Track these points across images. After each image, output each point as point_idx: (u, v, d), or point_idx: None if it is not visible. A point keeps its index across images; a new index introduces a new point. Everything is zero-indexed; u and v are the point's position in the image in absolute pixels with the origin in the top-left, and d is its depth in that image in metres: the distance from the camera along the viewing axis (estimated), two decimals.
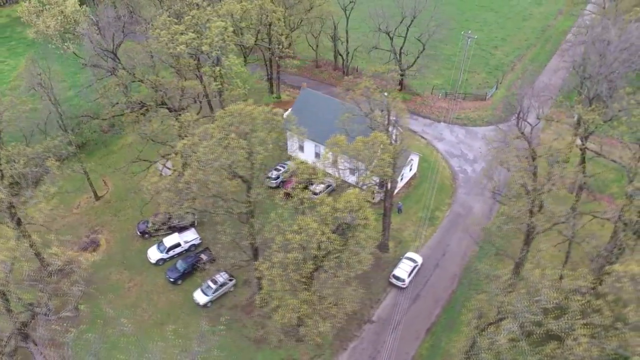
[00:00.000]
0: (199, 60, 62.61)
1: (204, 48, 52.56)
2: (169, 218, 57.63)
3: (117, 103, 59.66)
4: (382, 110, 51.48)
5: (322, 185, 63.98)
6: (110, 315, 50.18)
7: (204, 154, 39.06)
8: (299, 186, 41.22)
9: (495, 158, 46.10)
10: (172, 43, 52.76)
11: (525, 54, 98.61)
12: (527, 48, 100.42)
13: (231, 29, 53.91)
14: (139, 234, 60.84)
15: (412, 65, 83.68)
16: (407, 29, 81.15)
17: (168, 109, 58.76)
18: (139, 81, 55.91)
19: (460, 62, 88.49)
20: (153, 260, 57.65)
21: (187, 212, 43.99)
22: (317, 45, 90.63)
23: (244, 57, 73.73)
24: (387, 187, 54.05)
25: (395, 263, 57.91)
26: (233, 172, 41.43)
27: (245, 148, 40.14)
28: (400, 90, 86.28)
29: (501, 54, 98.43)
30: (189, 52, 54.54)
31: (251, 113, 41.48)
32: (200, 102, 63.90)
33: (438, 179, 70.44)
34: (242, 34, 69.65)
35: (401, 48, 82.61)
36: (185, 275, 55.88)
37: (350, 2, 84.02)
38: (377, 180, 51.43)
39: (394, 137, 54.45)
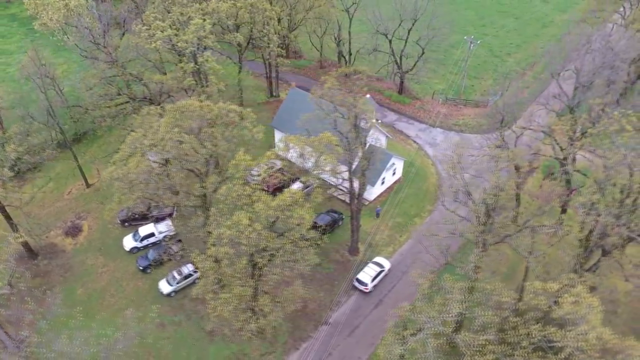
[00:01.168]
0: (191, 56, 64.01)
1: (179, 44, 53.86)
2: (149, 207, 59.60)
3: (103, 95, 61.74)
4: (349, 111, 51.11)
5: (301, 185, 64.11)
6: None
7: (148, 147, 40.10)
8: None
9: (447, 165, 45.04)
10: (150, 38, 54.33)
11: (539, 62, 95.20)
12: (542, 56, 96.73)
13: (209, 27, 54.87)
14: (119, 222, 62.92)
15: (412, 69, 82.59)
16: (408, 32, 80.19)
17: (150, 101, 60.51)
18: (115, 76, 57.83)
19: (464, 68, 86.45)
20: (127, 248, 59.52)
21: (137, 203, 45.23)
22: (321, 46, 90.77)
23: (239, 56, 74.77)
24: (352, 189, 53.66)
25: (362, 267, 57.44)
26: (181, 165, 42.33)
27: (189, 143, 40.90)
28: (400, 93, 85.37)
29: (513, 60, 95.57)
30: (166, 48, 55.98)
31: (201, 109, 42.21)
32: (190, 95, 65.27)
33: (423, 185, 69.21)
34: (236, 31, 70.49)
35: (402, 51, 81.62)
36: (155, 264, 57.41)
37: (353, 3, 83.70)
38: (339, 182, 51.11)
39: (366, 138, 53.97)
